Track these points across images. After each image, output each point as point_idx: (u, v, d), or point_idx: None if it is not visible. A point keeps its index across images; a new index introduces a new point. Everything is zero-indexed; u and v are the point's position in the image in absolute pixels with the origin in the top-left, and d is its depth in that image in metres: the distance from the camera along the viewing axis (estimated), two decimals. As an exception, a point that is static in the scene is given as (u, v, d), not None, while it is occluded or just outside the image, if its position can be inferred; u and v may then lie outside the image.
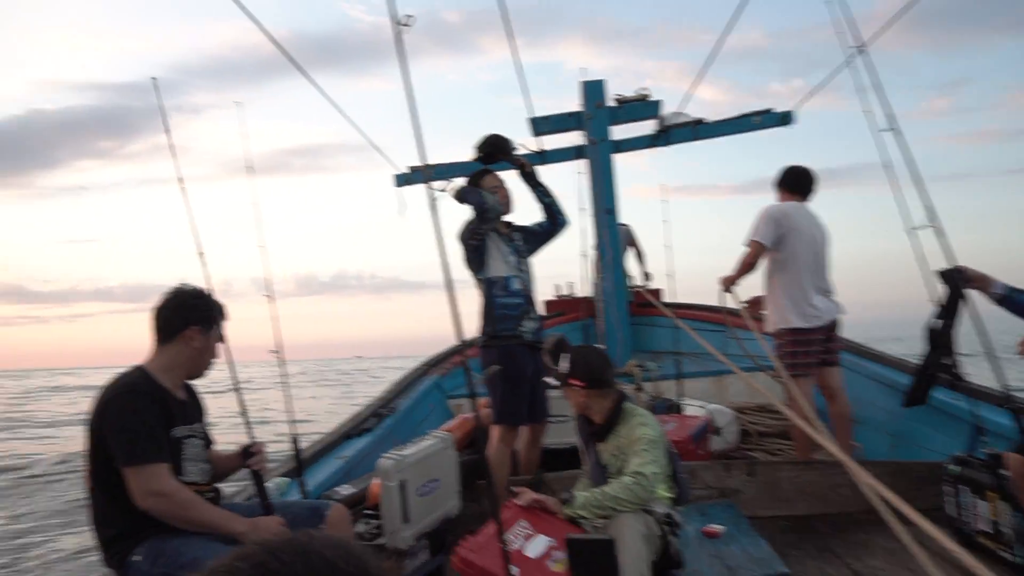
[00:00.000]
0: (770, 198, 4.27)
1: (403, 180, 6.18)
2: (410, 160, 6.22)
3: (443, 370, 5.86)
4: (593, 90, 5.99)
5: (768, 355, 3.97)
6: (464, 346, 6.31)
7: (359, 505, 3.10)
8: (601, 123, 5.95)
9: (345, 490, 3.29)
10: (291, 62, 3.35)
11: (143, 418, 2.14)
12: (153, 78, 2.51)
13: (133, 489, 2.07)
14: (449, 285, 1.74)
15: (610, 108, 6.01)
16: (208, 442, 2.44)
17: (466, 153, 6.01)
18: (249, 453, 2.46)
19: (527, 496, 2.61)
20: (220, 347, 2.44)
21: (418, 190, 6.25)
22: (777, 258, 4.08)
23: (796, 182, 4.19)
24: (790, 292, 4.03)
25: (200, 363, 2.37)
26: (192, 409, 2.40)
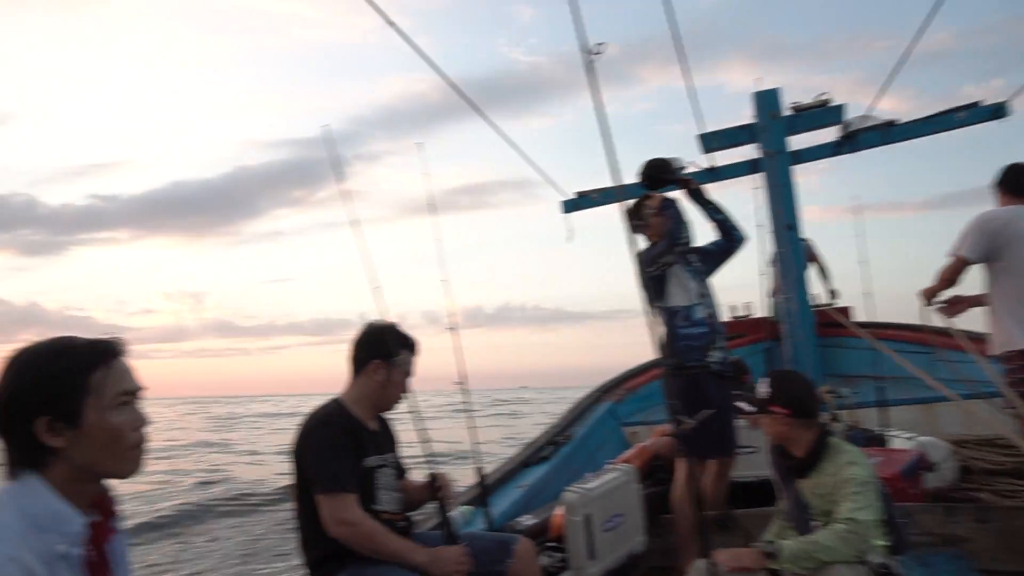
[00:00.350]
0: (967, 212, 3.75)
1: (571, 206, 6.17)
2: (571, 190, 6.23)
3: (616, 396, 5.73)
4: (767, 100, 5.66)
5: (992, 381, 3.46)
6: (635, 372, 6.10)
7: (541, 536, 3.06)
8: (777, 134, 5.59)
9: (527, 520, 3.27)
10: (471, 106, 3.49)
11: (335, 448, 2.24)
12: (325, 125, 2.60)
13: (324, 516, 2.16)
14: (647, 311, 1.67)
15: (787, 117, 5.64)
16: (401, 472, 2.51)
17: (630, 180, 5.92)
18: (435, 485, 2.48)
19: (724, 555, 2.32)
20: (409, 380, 2.50)
21: (584, 216, 6.21)
22: (997, 270, 3.56)
23: (1020, 182, 3.65)
24: (1016, 308, 3.50)
25: (385, 396, 2.43)
26: (384, 439, 2.47)
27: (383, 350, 2.41)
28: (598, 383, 6.07)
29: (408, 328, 2.52)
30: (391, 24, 2.57)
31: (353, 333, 2.46)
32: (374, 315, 2.48)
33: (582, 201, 6.11)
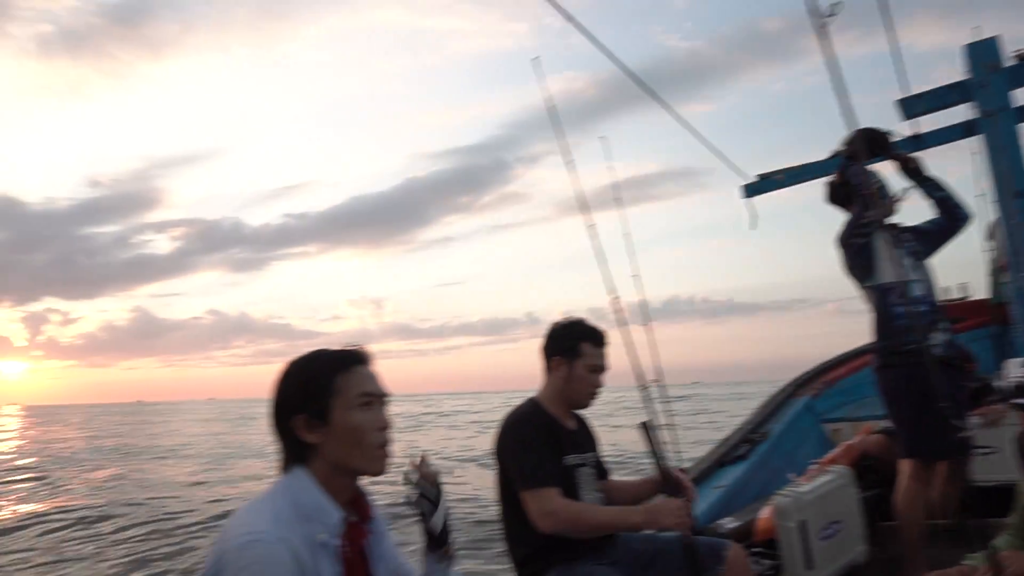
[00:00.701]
0: None
1: (752, 190, 5.79)
2: (735, 180, 5.83)
3: (813, 391, 5.31)
4: (983, 51, 4.93)
5: None
6: (833, 364, 5.57)
7: (745, 540, 2.89)
8: (999, 88, 4.86)
9: (729, 523, 3.11)
10: (650, 94, 3.38)
11: (532, 446, 2.23)
12: (535, 58, 2.51)
13: (531, 513, 2.15)
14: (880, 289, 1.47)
15: (1009, 68, 4.90)
16: (602, 472, 2.46)
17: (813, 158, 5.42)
18: (671, 478, 2.29)
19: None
20: (599, 375, 2.42)
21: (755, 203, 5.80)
22: None
23: None
24: None
25: (571, 393, 2.38)
26: (583, 438, 2.43)
27: (562, 346, 2.39)
28: (776, 376, 5.68)
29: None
30: (571, 20, 2.52)
31: (521, 331, 2.44)
32: (587, 308, 2.44)
33: (765, 184, 5.70)
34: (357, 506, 1.38)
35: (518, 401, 2.44)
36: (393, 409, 1.42)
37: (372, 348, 1.43)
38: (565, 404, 2.41)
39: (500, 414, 2.40)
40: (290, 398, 1.33)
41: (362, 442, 1.32)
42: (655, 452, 2.22)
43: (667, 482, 2.24)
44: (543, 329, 2.46)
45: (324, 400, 1.31)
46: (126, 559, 7.86)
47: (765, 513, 2.95)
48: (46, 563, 8.04)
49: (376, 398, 1.37)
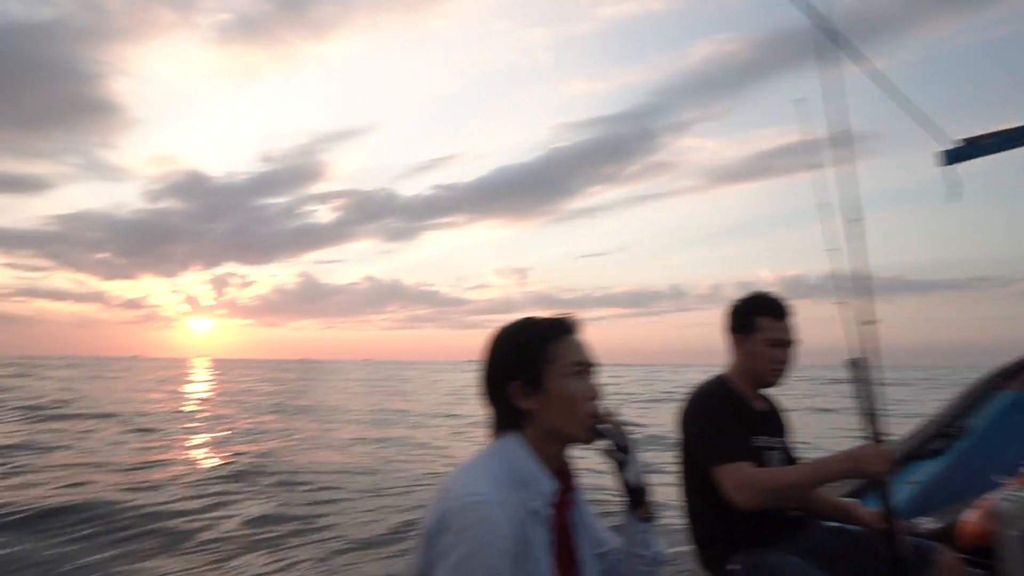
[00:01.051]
0: None
1: (953, 156, 5.15)
2: (909, 146, 5.14)
3: (1023, 384, 4.69)
4: None
5: None
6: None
7: (947, 544, 2.60)
8: None
9: (926, 523, 2.81)
10: (843, 50, 3.03)
11: (721, 422, 2.15)
12: None
13: (724, 489, 2.05)
14: None
15: None
16: (790, 460, 2.30)
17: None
18: (876, 422, 2.08)
19: None
20: (784, 350, 2.24)
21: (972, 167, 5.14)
22: None
23: None
24: None
25: (755, 370, 2.25)
26: (773, 422, 2.31)
27: (738, 322, 2.29)
28: (951, 362, 5.05)
29: (720, 299, 2.29)
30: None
31: (665, 304, 2.31)
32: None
33: (971, 149, 5.04)
34: (563, 476, 1.36)
35: (662, 375, 2.33)
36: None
37: (517, 317, 1.40)
38: (751, 382, 2.29)
39: (646, 388, 2.30)
40: (504, 364, 1.32)
41: (576, 410, 1.31)
42: (862, 393, 2.03)
43: (872, 426, 2.04)
44: (688, 303, 2.34)
45: (539, 367, 1.30)
46: (308, 507, 8.45)
47: (974, 516, 2.64)
48: (223, 494, 8.77)
49: (587, 367, 1.35)
